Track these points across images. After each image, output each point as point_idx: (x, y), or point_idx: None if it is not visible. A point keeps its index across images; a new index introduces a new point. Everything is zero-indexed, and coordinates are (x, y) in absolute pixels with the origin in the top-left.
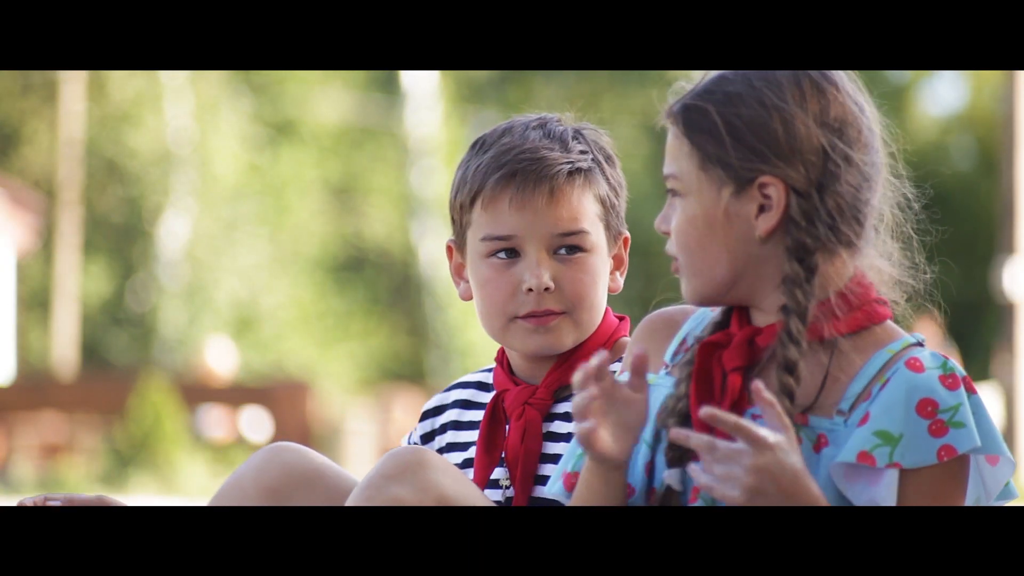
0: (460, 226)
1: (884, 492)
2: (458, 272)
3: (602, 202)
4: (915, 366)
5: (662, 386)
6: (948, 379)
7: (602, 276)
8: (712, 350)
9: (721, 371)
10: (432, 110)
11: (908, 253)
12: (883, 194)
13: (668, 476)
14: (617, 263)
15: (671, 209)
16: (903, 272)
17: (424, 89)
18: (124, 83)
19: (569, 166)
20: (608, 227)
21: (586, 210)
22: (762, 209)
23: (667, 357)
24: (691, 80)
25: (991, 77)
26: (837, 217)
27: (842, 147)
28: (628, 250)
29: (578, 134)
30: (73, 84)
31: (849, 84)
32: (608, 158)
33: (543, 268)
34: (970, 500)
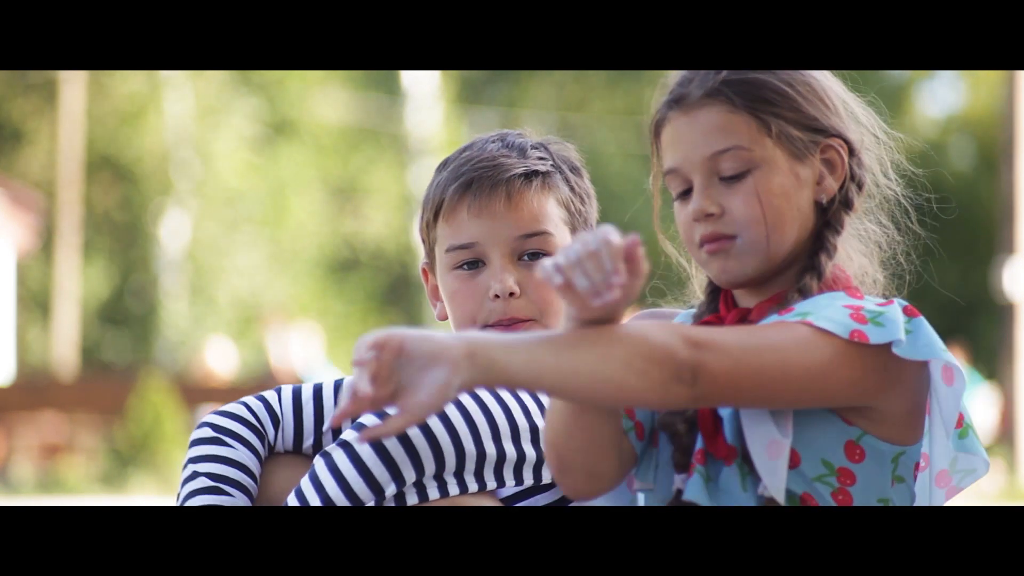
0: (429, 245)
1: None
2: (434, 294)
3: (566, 207)
4: (854, 295)
5: None
6: (882, 300)
7: None
8: None
9: None
10: (432, 110)
11: (900, 239)
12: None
13: (679, 481)
14: None
15: (713, 189)
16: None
17: (424, 89)
18: (124, 83)
19: (525, 169)
20: (575, 232)
21: (548, 213)
22: (827, 171)
23: None
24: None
25: (991, 77)
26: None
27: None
28: None
29: (539, 145)
30: (73, 84)
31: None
32: (573, 168)
33: (507, 274)
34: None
